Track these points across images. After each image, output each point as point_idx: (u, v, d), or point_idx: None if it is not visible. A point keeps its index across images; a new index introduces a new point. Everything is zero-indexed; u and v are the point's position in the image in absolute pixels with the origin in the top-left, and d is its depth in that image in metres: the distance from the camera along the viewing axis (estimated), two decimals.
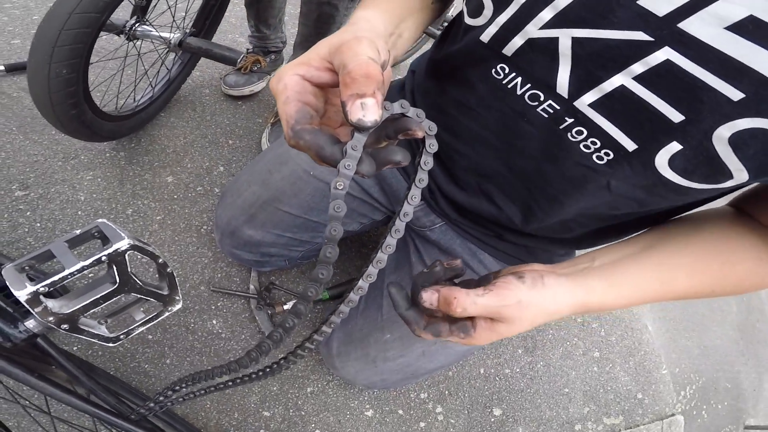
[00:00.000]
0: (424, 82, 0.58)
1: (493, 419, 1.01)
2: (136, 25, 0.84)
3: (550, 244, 0.61)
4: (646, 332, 1.52)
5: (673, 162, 0.37)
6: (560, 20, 0.36)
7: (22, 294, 0.32)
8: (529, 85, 0.42)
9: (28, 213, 0.82)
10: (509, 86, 0.43)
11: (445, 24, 1.38)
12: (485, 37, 0.42)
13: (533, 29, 0.38)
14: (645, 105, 0.36)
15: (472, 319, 0.38)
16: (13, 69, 1.04)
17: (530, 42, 0.39)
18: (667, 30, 0.32)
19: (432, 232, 0.70)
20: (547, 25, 0.37)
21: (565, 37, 0.37)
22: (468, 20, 0.44)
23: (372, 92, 0.25)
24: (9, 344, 0.37)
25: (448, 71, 0.52)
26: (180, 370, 0.79)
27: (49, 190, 0.86)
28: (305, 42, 1.09)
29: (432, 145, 0.30)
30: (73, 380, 0.54)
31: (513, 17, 0.38)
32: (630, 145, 0.38)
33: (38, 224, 0.82)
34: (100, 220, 0.36)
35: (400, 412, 0.92)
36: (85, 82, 0.73)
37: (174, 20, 0.92)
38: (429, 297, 0.37)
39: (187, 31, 0.93)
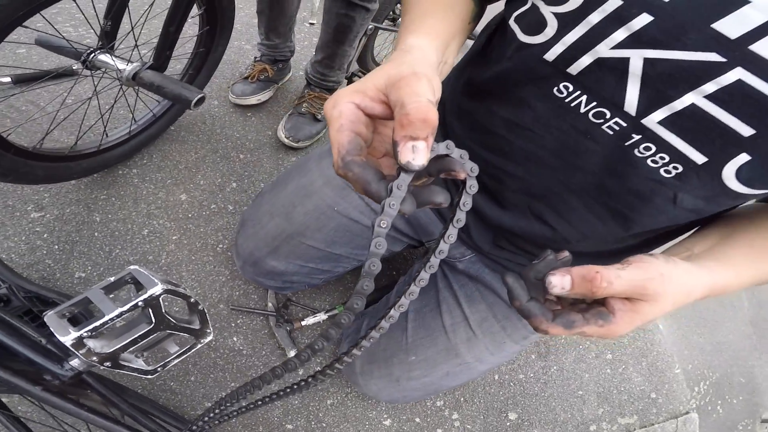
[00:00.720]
0: (461, 104, 0.57)
1: (508, 423, 1.02)
2: (97, 53, 0.75)
3: (596, 258, 0.59)
4: (658, 332, 1.52)
5: (739, 173, 0.38)
6: (633, 41, 0.37)
7: (67, 339, 0.35)
8: (594, 103, 0.42)
9: (45, 235, 0.84)
10: (572, 104, 0.43)
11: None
12: (550, 55, 0.42)
13: (604, 49, 0.38)
14: (716, 122, 0.37)
15: (604, 305, 0.33)
16: (20, 81, 0.99)
17: (599, 61, 0.39)
18: (739, 52, 0.34)
19: (460, 263, 0.71)
20: (619, 45, 0.37)
21: (637, 57, 0.37)
22: (524, 38, 0.44)
23: (425, 137, 0.25)
24: (57, 382, 0.39)
25: (497, 91, 0.51)
26: (204, 386, 0.81)
27: (64, 211, 0.87)
28: (325, 47, 1.12)
29: (472, 187, 0.30)
30: (108, 403, 0.56)
31: (583, 37, 0.39)
32: (699, 159, 0.39)
33: (56, 246, 0.84)
34: (132, 267, 0.39)
35: (417, 420, 0.93)
36: None
37: (137, 48, 0.83)
38: (560, 280, 0.31)
39: (146, 62, 0.82)
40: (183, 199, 0.96)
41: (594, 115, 0.42)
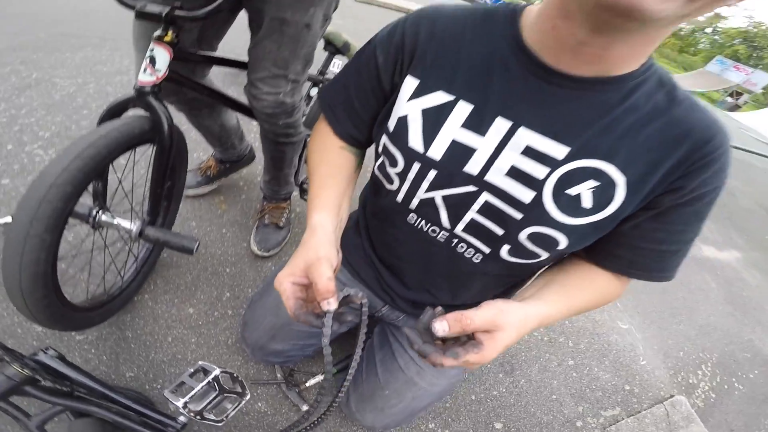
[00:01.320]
0: (369, 222, 0.79)
1: (496, 431, 1.17)
2: (99, 213, 0.82)
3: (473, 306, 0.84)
4: (613, 334, 1.68)
5: (509, 253, 0.59)
6: (432, 187, 0.58)
7: (179, 403, 0.62)
8: (429, 225, 0.63)
9: (93, 351, 0.98)
10: (418, 226, 0.64)
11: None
12: (399, 198, 0.62)
13: (421, 193, 0.59)
14: (486, 227, 0.58)
15: (473, 340, 0.46)
16: None
17: (422, 201, 0.60)
18: (481, 182, 0.54)
19: (399, 322, 0.91)
20: (428, 190, 0.58)
21: (438, 196, 0.58)
22: (387, 186, 0.64)
23: (331, 295, 0.46)
24: (173, 430, 0.66)
25: (383, 217, 0.72)
26: None
27: (102, 332, 1.02)
28: (268, 170, 1.30)
29: (365, 311, 0.52)
30: None
31: (409, 188, 0.60)
32: (486, 249, 0.61)
33: (104, 357, 0.99)
34: (200, 362, 0.69)
35: None
36: (54, 274, 0.69)
37: (132, 208, 0.94)
38: (441, 325, 0.44)
39: (146, 219, 0.93)
40: (191, 312, 1.16)
41: (431, 232, 0.64)
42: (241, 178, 1.65)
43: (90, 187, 0.79)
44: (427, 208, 0.60)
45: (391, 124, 0.58)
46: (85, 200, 0.76)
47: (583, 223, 0.51)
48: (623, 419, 1.34)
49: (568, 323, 1.61)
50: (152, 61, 0.77)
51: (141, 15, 0.76)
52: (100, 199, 0.84)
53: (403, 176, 0.59)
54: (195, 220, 1.38)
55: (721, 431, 1.57)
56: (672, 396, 1.52)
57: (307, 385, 1.06)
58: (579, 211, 0.51)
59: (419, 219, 0.64)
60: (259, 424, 0.99)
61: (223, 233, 1.38)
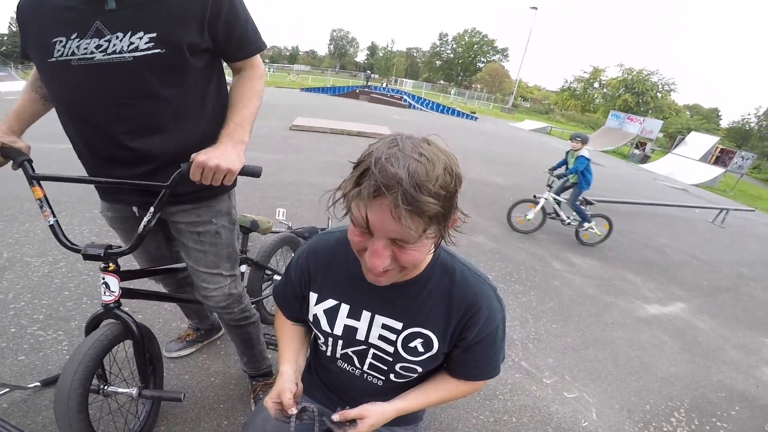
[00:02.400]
0: (317, 366, 1.00)
1: None
2: (105, 387, 1.10)
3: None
4: (554, 405, 1.85)
5: (395, 377, 0.83)
6: (344, 347, 0.84)
7: None
8: (349, 366, 0.87)
9: None
10: (343, 367, 0.89)
11: None
12: (328, 353, 0.88)
13: (339, 350, 0.86)
14: (378, 365, 0.85)
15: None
16: (48, 383, 1.40)
17: (341, 354, 0.86)
18: (367, 344, 0.82)
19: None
20: (342, 349, 0.85)
21: (348, 351, 0.85)
22: (321, 348, 0.89)
23: (292, 407, 0.74)
24: None
25: (324, 362, 0.94)
26: None
27: None
28: (244, 353, 1.46)
29: (317, 417, 0.76)
30: None
31: (332, 349, 0.86)
32: (383, 377, 0.85)
33: None
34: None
35: None
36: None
37: (125, 379, 1.19)
38: (335, 415, 0.74)
39: (140, 385, 1.17)
40: None
41: (351, 370, 0.89)
42: (218, 339, 1.92)
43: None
44: (346, 356, 0.87)
45: (310, 317, 0.87)
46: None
47: (423, 359, 0.81)
48: None
49: (510, 403, 1.80)
50: (107, 285, 1.02)
51: (86, 257, 0.97)
52: (104, 379, 1.14)
53: (326, 344, 0.88)
54: (187, 374, 1.68)
55: None
56: None
57: None
58: (418, 354, 0.80)
59: (343, 363, 0.90)
60: None
61: (212, 381, 1.67)
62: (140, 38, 0.85)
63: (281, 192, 4.04)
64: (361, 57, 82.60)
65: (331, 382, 1.00)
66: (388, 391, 0.89)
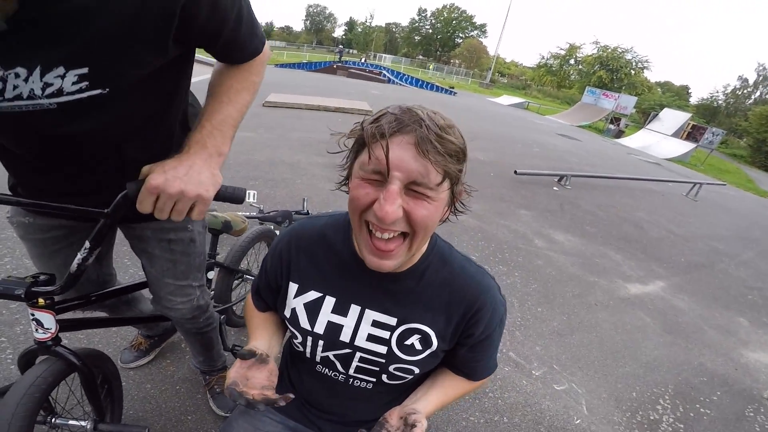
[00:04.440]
0: (292, 374, 0.89)
1: None
2: (52, 419, 0.91)
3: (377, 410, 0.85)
4: (545, 401, 1.74)
5: (388, 379, 0.73)
6: (324, 350, 0.72)
7: None
8: (331, 371, 0.76)
9: None
10: (323, 372, 0.78)
11: None
12: (307, 355, 0.75)
13: (319, 353, 0.73)
14: (367, 368, 0.72)
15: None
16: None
17: (321, 357, 0.74)
18: (353, 347, 0.70)
19: None
20: (322, 352, 0.73)
21: (330, 355, 0.73)
22: (297, 349, 0.77)
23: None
24: None
25: (302, 369, 0.83)
26: None
27: None
28: (200, 353, 1.29)
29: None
30: None
31: (311, 351, 0.74)
32: (373, 380, 0.75)
33: None
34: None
35: None
36: None
37: (84, 410, 0.99)
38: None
39: (95, 418, 0.98)
40: None
41: (333, 375, 0.77)
42: (181, 340, 1.67)
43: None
44: (327, 361, 0.76)
45: (287, 312, 0.75)
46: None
47: (421, 358, 0.72)
48: None
49: (500, 401, 1.68)
50: (38, 323, 0.80)
51: (3, 296, 0.74)
52: (51, 410, 0.94)
53: (304, 344, 0.76)
54: (149, 383, 1.47)
55: None
56: None
57: None
58: (415, 353, 0.71)
59: (324, 368, 0.79)
60: None
61: (177, 389, 1.47)
62: (61, 76, 0.53)
63: (252, 172, 3.71)
64: (339, 32, 79.44)
65: (308, 392, 0.87)
66: (379, 396, 0.79)
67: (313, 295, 0.73)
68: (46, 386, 0.83)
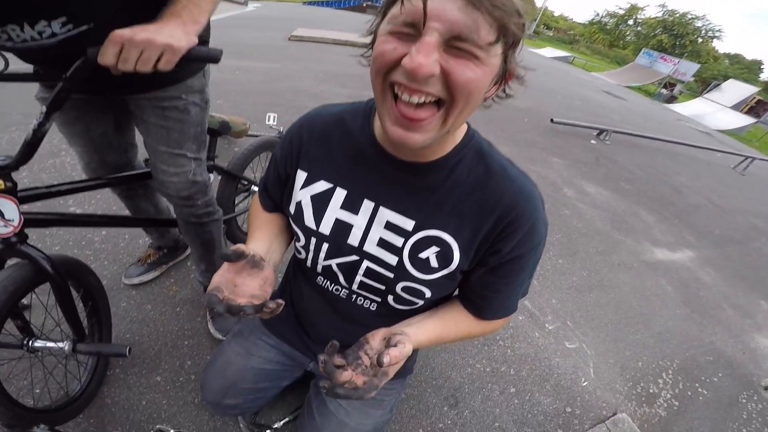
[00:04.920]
0: (293, 288, 0.88)
1: None
2: (30, 341, 0.86)
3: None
4: (555, 358, 1.65)
5: (394, 301, 0.69)
6: (328, 257, 0.68)
7: None
8: (333, 285, 0.73)
9: (81, 416, 1.07)
10: (324, 286, 0.74)
11: None
12: (308, 264, 0.72)
13: (321, 261, 0.69)
14: (372, 285, 0.68)
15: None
16: None
17: (324, 266, 0.70)
18: (361, 252, 0.65)
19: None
20: (324, 260, 0.68)
21: (333, 264, 0.69)
22: (299, 256, 0.74)
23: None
24: None
25: (302, 281, 0.81)
26: None
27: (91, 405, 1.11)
28: (201, 260, 1.27)
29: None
30: None
31: (312, 257, 0.70)
32: (378, 299, 0.71)
33: (92, 420, 1.07)
34: (158, 426, 0.77)
35: None
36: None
37: (60, 328, 0.97)
38: (386, 360, 0.52)
39: (73, 338, 0.93)
40: (159, 380, 1.21)
41: (335, 290, 0.74)
42: (187, 258, 1.63)
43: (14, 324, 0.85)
44: (329, 272, 0.71)
45: (292, 208, 0.69)
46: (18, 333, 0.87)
47: (435, 278, 0.63)
48: None
49: (510, 351, 1.60)
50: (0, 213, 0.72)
51: None
52: (28, 331, 0.89)
53: (306, 248, 0.70)
54: (150, 303, 1.43)
55: None
56: (614, 414, 1.49)
57: (274, 427, 1.12)
58: (430, 270, 0.62)
59: (325, 281, 0.73)
60: None
61: (178, 311, 1.43)
62: (48, 26, 0.63)
63: (275, 99, 3.48)
64: None
65: (305, 311, 0.83)
66: (381, 323, 0.70)
67: (322, 186, 0.65)
68: (6, 295, 0.74)
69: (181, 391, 1.21)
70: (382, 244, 0.63)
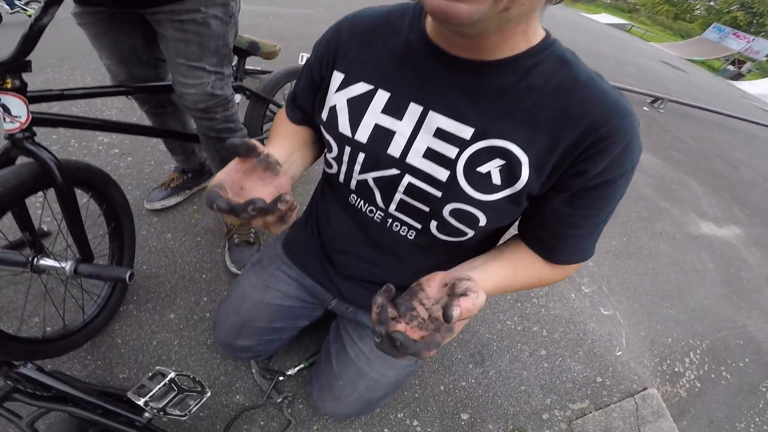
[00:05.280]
0: (320, 208, 0.81)
1: (463, 422, 1.10)
2: (37, 259, 0.82)
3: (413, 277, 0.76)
4: (590, 323, 1.55)
5: (437, 230, 0.60)
6: (363, 170, 0.60)
7: (141, 402, 0.67)
8: (367, 205, 0.65)
9: (89, 357, 1.04)
10: (358, 206, 0.66)
11: None
12: (341, 179, 0.64)
13: (356, 175, 0.61)
14: (414, 205, 0.59)
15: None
16: None
17: (359, 182, 0.62)
18: (403, 165, 0.56)
19: (349, 314, 0.91)
20: (360, 173, 0.60)
21: (369, 178, 0.60)
22: (329, 171, 0.66)
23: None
24: (140, 425, 0.70)
25: (332, 200, 0.74)
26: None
27: (94, 341, 1.07)
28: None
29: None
30: None
31: (346, 170, 0.62)
32: (418, 225, 0.62)
33: (99, 362, 1.03)
34: (157, 367, 0.72)
35: (386, 430, 1.04)
36: None
37: (68, 246, 0.92)
38: (456, 313, 0.38)
39: (78, 258, 0.88)
40: (172, 317, 1.17)
41: (369, 212, 0.66)
42: None
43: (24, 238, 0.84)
44: (364, 189, 0.63)
45: (324, 114, 0.62)
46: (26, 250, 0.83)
47: (495, 199, 0.53)
48: (591, 413, 1.25)
49: (544, 311, 1.49)
50: (5, 109, 0.72)
51: None
52: (38, 247, 0.85)
53: (339, 160, 0.62)
54: (170, 231, 1.36)
55: (700, 422, 1.46)
56: (644, 389, 1.41)
57: (288, 374, 1.06)
58: (490, 188, 0.52)
59: (359, 199, 0.66)
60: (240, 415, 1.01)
61: (198, 241, 1.36)
62: None
63: (308, 43, 3.20)
64: None
65: (331, 238, 0.78)
66: (419, 255, 0.68)
67: (361, 87, 0.57)
68: (7, 188, 0.71)
69: (194, 331, 1.15)
70: (430, 155, 0.54)
